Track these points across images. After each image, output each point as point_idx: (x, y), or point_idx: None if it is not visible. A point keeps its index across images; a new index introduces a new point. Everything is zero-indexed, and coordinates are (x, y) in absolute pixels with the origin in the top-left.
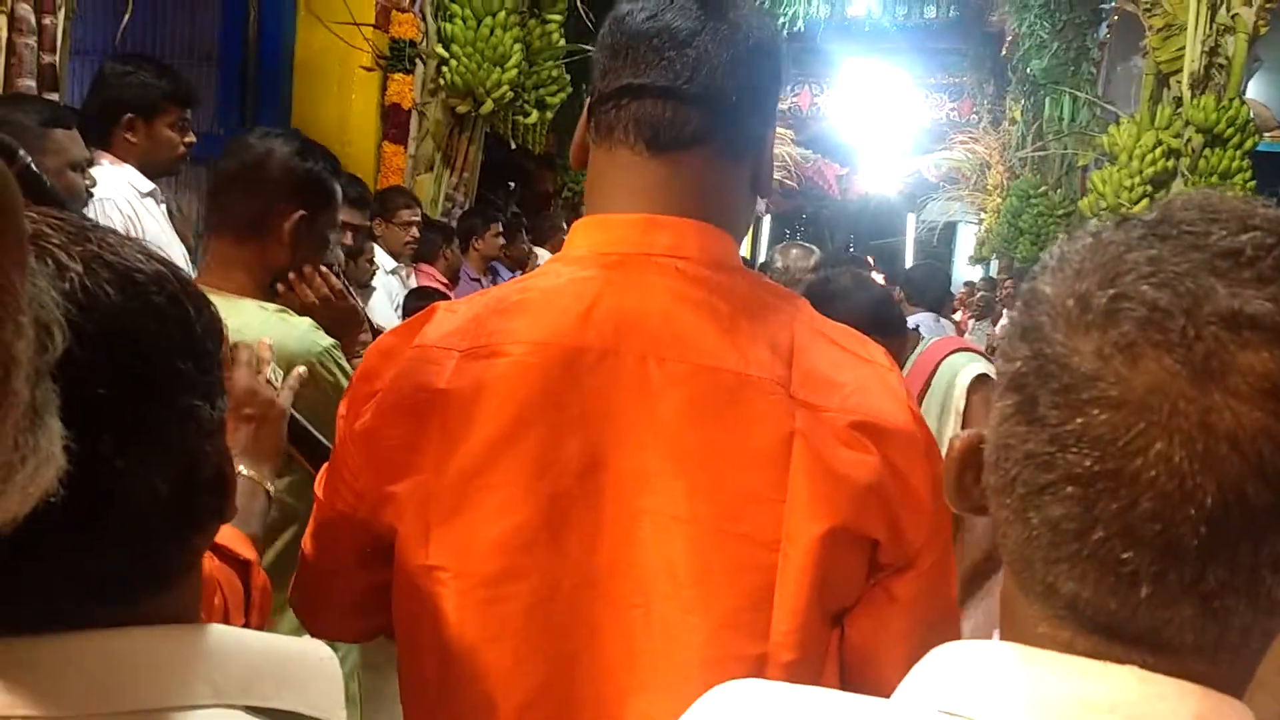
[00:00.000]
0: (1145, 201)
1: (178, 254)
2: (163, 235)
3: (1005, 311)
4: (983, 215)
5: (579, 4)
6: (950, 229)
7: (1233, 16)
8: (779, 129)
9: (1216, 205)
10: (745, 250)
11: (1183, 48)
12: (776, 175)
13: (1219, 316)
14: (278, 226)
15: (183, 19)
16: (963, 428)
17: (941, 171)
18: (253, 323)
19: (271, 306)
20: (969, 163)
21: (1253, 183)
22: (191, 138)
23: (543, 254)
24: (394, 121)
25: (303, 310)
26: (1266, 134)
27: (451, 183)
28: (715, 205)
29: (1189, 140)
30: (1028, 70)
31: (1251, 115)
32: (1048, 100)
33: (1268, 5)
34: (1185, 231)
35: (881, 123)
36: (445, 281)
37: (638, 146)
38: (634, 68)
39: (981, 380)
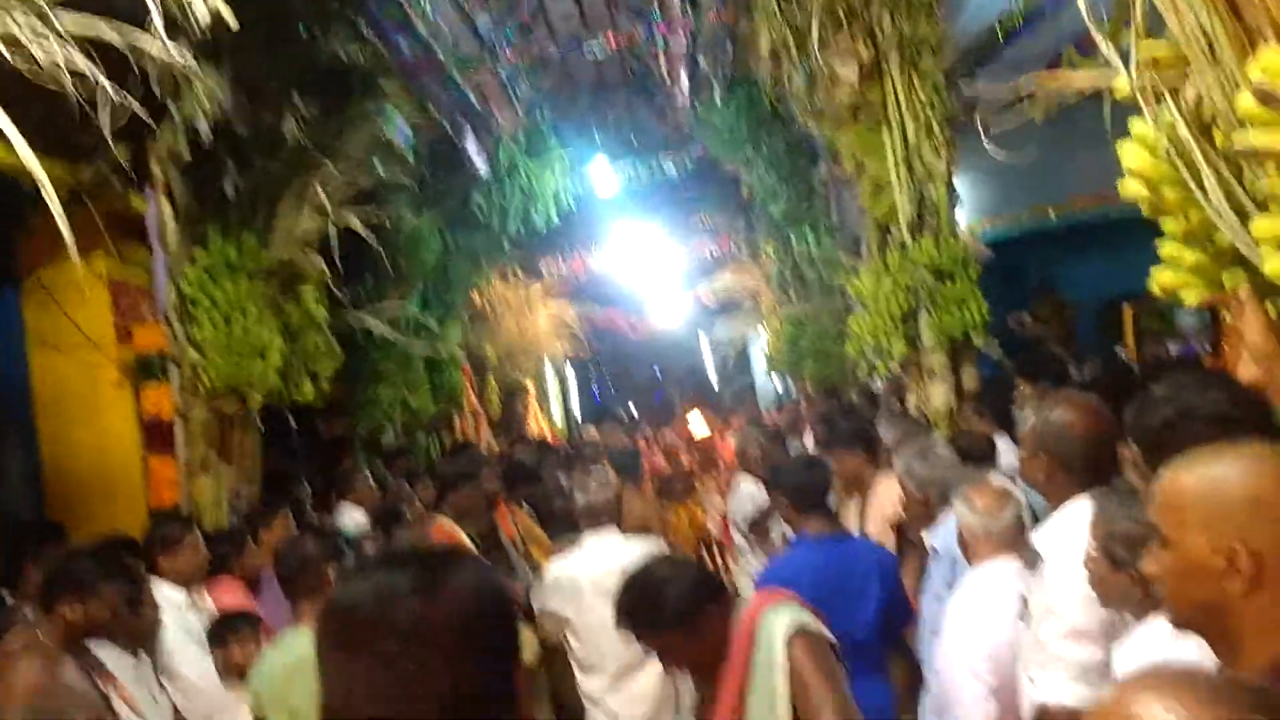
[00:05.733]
0: (901, 340)
1: None
2: None
3: (811, 427)
4: (765, 334)
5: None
6: (744, 345)
7: (928, 168)
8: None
9: None
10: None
11: (894, 202)
12: (569, 336)
13: None
14: None
15: None
16: (793, 692)
17: (718, 298)
18: None
19: None
20: (742, 287)
21: (985, 305)
22: None
23: (348, 509)
24: (157, 433)
25: None
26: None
27: (233, 476)
28: None
29: (922, 280)
30: (769, 211)
31: (969, 248)
32: (792, 235)
33: (954, 151)
34: None
35: (653, 268)
36: (246, 591)
37: None
38: None
39: (799, 635)
